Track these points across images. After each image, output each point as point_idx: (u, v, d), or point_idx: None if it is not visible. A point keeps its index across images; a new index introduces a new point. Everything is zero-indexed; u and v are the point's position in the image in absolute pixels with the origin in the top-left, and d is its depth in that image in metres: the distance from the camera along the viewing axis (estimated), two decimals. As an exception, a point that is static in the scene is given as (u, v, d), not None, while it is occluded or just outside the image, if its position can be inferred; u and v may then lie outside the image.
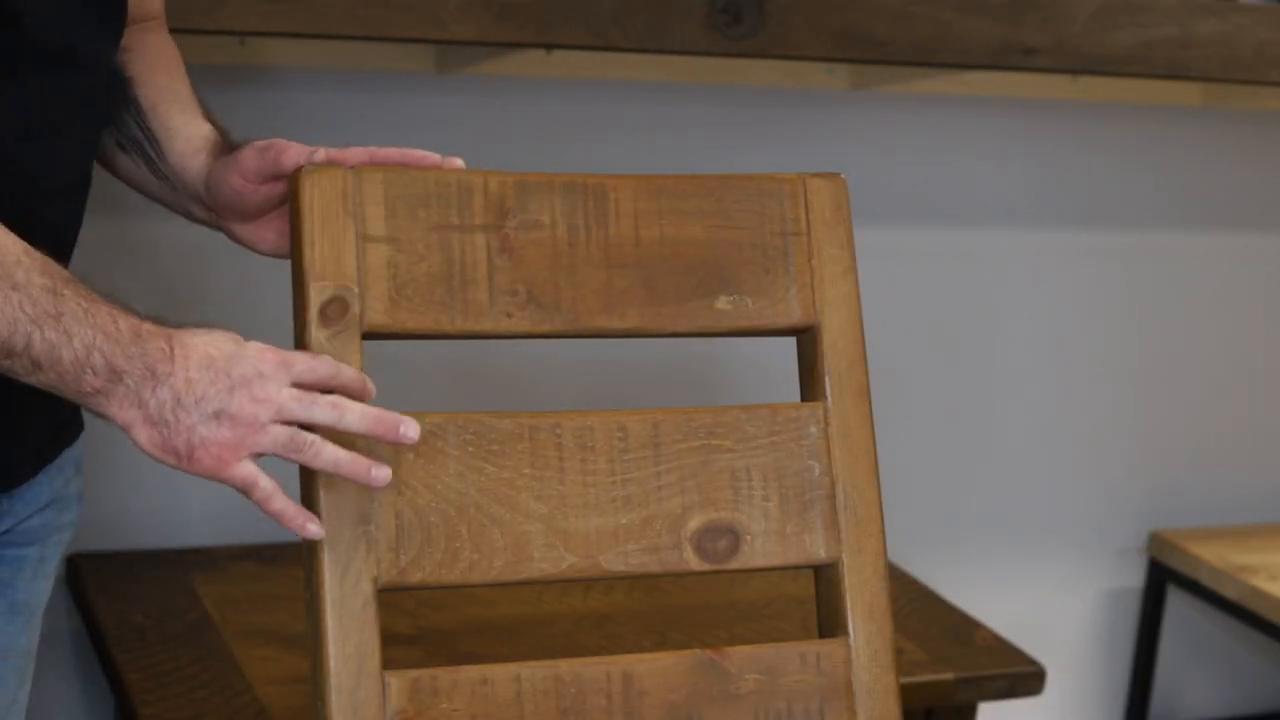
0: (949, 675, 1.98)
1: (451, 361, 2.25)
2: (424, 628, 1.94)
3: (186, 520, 2.21)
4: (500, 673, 1.25)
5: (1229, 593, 2.53)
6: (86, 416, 1.44)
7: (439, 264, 1.26)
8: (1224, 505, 2.80)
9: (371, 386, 1.21)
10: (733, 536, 1.32)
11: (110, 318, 1.14)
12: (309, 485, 1.22)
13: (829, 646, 1.34)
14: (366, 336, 1.24)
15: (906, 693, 1.96)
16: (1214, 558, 2.58)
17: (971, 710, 2.04)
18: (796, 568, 1.36)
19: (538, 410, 1.30)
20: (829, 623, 1.36)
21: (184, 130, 1.37)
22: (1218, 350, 2.74)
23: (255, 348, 1.17)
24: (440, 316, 1.26)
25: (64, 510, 1.41)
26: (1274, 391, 2.80)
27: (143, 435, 1.15)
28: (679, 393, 2.32)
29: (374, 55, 2.13)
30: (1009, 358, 2.62)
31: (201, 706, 1.75)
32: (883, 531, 1.36)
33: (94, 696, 2.17)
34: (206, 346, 1.16)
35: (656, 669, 1.29)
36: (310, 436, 1.17)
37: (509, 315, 1.27)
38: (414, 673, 1.23)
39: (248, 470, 1.17)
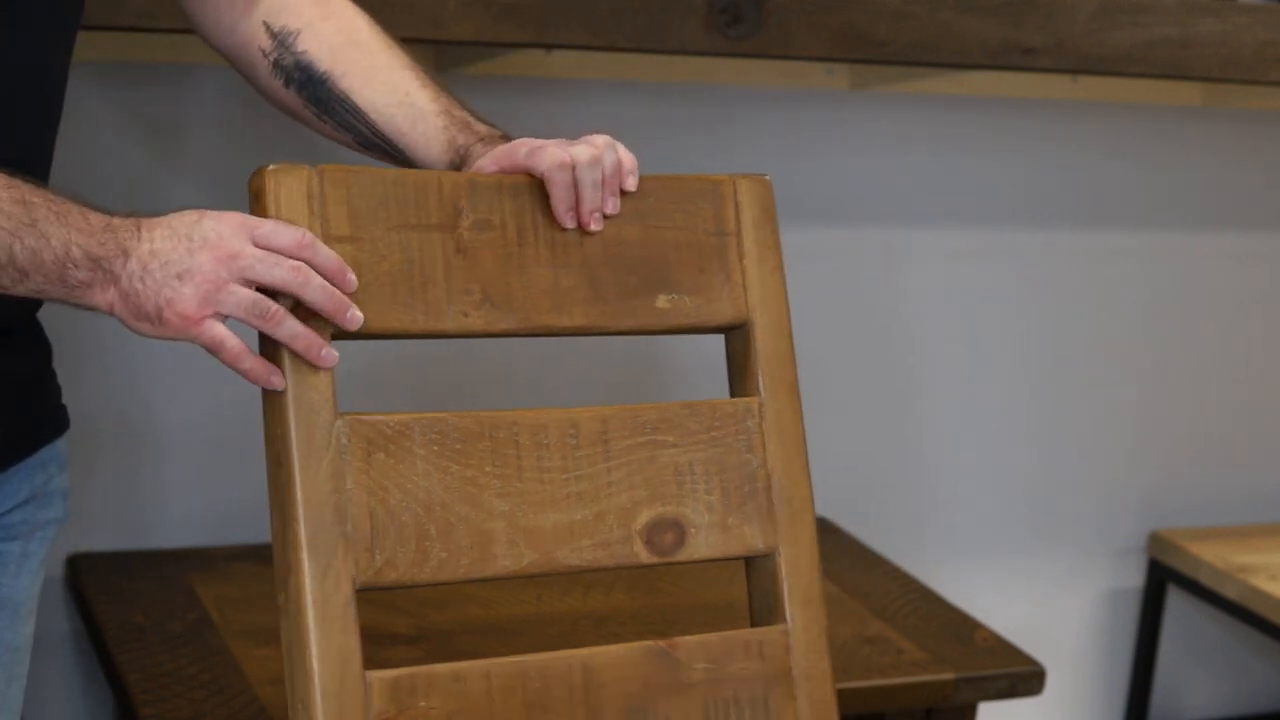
0: (949, 675, 1.98)
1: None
2: (424, 628, 1.94)
3: (186, 520, 2.21)
4: (471, 670, 1.27)
5: (1229, 593, 2.53)
6: (74, 417, 1.45)
7: (399, 264, 1.27)
8: (1224, 505, 2.80)
9: (353, 277, 1.23)
10: (679, 530, 1.35)
11: (81, 215, 1.18)
12: (279, 477, 1.22)
13: (769, 634, 1.38)
14: (334, 337, 1.25)
15: (906, 692, 1.98)
16: (1214, 558, 2.58)
17: (971, 710, 2.04)
18: (737, 558, 1.40)
19: (497, 408, 1.32)
20: (767, 612, 1.40)
21: (415, 134, 1.40)
22: (1218, 350, 2.74)
23: (218, 212, 1.20)
24: (403, 316, 1.27)
25: (46, 506, 1.41)
26: (1274, 391, 2.80)
27: (120, 309, 1.19)
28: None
29: (374, 55, 2.13)
30: (1009, 357, 2.62)
31: (201, 706, 1.75)
32: (814, 522, 1.41)
33: (94, 696, 2.17)
34: (171, 219, 1.19)
35: (613, 661, 1.32)
36: (274, 304, 1.19)
37: (465, 315, 1.29)
38: (394, 672, 1.24)
39: (216, 331, 1.19)
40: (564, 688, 1.29)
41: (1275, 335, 2.78)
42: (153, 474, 2.19)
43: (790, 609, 1.39)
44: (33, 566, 1.41)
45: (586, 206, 1.32)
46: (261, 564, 2.14)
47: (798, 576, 1.39)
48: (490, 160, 1.34)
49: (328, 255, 1.21)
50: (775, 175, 2.40)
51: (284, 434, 1.22)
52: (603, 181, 1.33)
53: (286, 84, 1.43)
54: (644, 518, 1.34)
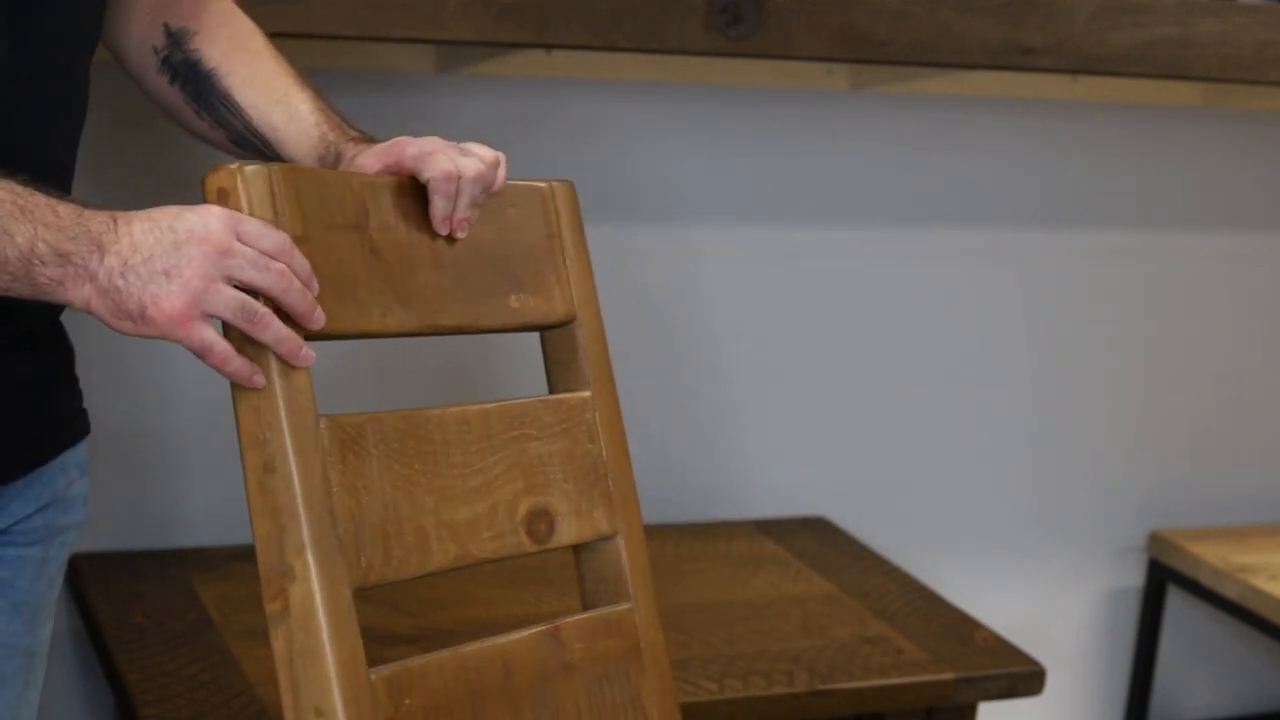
0: (949, 675, 1.98)
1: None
2: (424, 627, 1.94)
3: (186, 520, 2.21)
4: (435, 663, 1.29)
5: (1229, 593, 2.53)
6: (94, 421, 1.45)
7: (334, 265, 1.27)
8: (1224, 505, 2.80)
9: (316, 284, 1.22)
10: (549, 518, 1.40)
11: (48, 208, 1.15)
12: (271, 482, 1.21)
13: (620, 613, 1.44)
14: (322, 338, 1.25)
15: (907, 692, 1.98)
16: (1214, 558, 2.58)
17: (971, 710, 2.04)
18: (591, 543, 1.45)
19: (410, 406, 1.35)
20: (610, 592, 1.46)
21: (289, 129, 1.42)
22: (1218, 350, 2.74)
23: (199, 206, 1.18)
24: (346, 318, 1.27)
25: (67, 511, 1.41)
26: (1274, 391, 2.80)
27: (98, 306, 1.15)
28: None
29: (374, 55, 2.13)
30: (1009, 356, 2.62)
31: (201, 706, 1.75)
32: (639, 506, 1.48)
33: (94, 696, 2.17)
34: (150, 211, 1.17)
35: (523, 648, 1.36)
36: (262, 307, 1.18)
37: (384, 315, 1.30)
38: (387, 670, 1.24)
39: (205, 334, 1.17)
40: (495, 676, 1.33)
41: (1275, 335, 2.78)
42: (153, 474, 2.19)
43: (633, 588, 1.45)
44: (52, 571, 1.40)
45: (459, 215, 1.35)
46: (261, 564, 2.15)
47: (635, 557, 1.46)
48: (373, 157, 1.35)
49: (302, 261, 1.21)
50: (775, 175, 2.42)
51: (276, 436, 1.20)
52: (478, 200, 1.36)
53: (172, 80, 1.45)
54: (523, 508, 1.38)
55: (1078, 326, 2.65)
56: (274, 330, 1.19)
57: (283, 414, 1.21)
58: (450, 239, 1.36)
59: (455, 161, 1.33)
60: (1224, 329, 2.74)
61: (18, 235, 1.14)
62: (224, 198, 1.21)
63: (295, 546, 1.20)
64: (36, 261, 1.14)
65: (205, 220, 1.16)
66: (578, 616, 1.42)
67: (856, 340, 2.52)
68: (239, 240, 1.17)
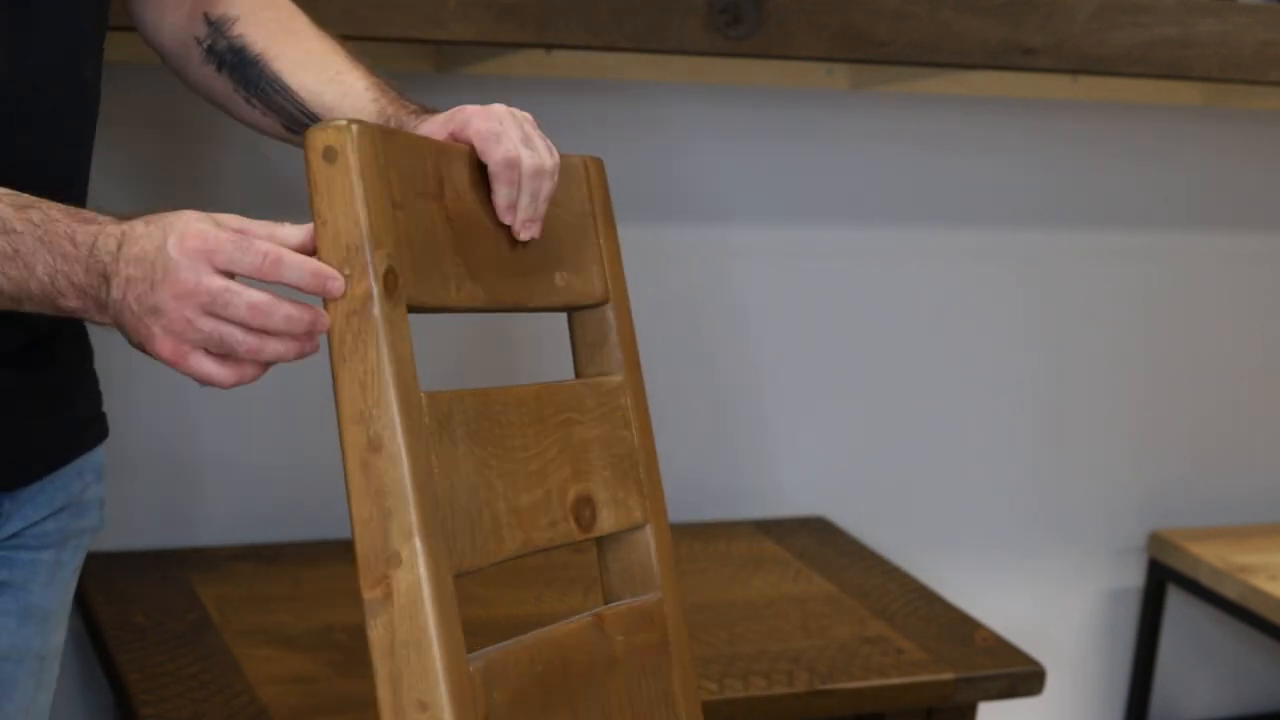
0: (949, 675, 1.98)
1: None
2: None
3: (186, 520, 2.21)
4: (512, 654, 1.23)
5: (1229, 593, 2.53)
6: (122, 423, 1.43)
7: (423, 233, 1.21)
8: (1224, 505, 2.80)
9: (337, 284, 1.14)
10: (592, 505, 1.34)
11: (67, 238, 1.13)
12: (376, 462, 1.14)
13: (652, 605, 1.38)
14: (410, 310, 1.18)
15: (907, 692, 1.98)
16: (1214, 558, 2.58)
17: (971, 710, 2.04)
18: (623, 532, 1.39)
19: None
20: (640, 583, 1.39)
21: (345, 105, 1.38)
22: (1218, 350, 2.74)
23: (182, 229, 1.12)
24: (437, 290, 1.21)
25: (81, 515, 1.40)
26: (1274, 391, 2.80)
27: (123, 331, 1.14)
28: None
29: (373, 55, 2.12)
30: (1010, 356, 2.62)
31: (201, 706, 1.75)
32: (664, 496, 1.42)
33: (94, 696, 2.17)
34: (143, 240, 1.13)
35: (576, 639, 1.29)
36: (242, 340, 1.12)
37: (460, 289, 1.24)
38: (481, 661, 1.19)
39: (203, 368, 1.13)
40: (557, 669, 1.27)
41: (1275, 335, 2.78)
42: (153, 474, 2.19)
43: (661, 579, 1.39)
44: (65, 576, 1.39)
45: (523, 215, 1.29)
46: (262, 564, 2.14)
47: (663, 548, 1.40)
48: (437, 125, 1.30)
49: (297, 266, 1.13)
50: (775, 175, 2.42)
51: (384, 413, 1.13)
52: (539, 196, 1.29)
53: (219, 68, 1.42)
54: (571, 494, 1.31)
55: (1078, 326, 2.65)
56: (272, 348, 1.14)
57: (391, 389, 1.14)
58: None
59: (518, 149, 1.27)
60: (1224, 329, 2.74)
61: (38, 269, 1.13)
62: (331, 156, 1.15)
63: (402, 531, 1.13)
64: (58, 295, 1.14)
65: (178, 258, 1.11)
66: (616, 607, 1.35)
67: (856, 340, 2.52)
68: (214, 271, 1.11)
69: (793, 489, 2.53)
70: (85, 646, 2.11)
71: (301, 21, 1.44)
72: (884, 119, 2.46)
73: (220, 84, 1.43)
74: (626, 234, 2.38)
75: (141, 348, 1.14)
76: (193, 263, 1.11)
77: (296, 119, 1.40)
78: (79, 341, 1.38)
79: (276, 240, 1.14)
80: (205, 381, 1.14)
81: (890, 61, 2.11)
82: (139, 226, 1.13)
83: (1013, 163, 2.55)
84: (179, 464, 2.20)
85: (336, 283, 1.14)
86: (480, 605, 2.01)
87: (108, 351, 1.44)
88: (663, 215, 2.37)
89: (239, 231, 1.13)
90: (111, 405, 1.45)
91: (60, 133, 1.29)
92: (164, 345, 1.12)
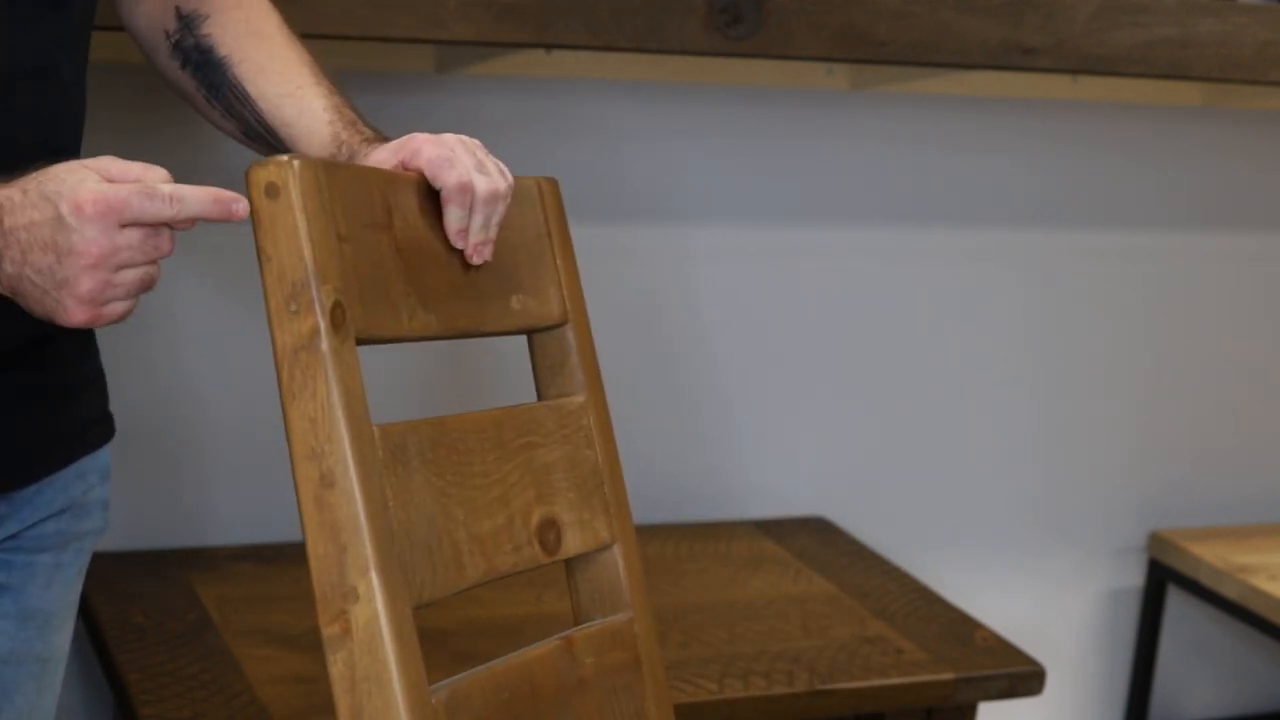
0: (949, 675, 1.98)
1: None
2: (423, 628, 1.93)
3: (186, 520, 2.21)
4: (477, 682, 1.22)
5: (1229, 593, 2.53)
6: (119, 423, 1.42)
7: (370, 265, 1.20)
8: (1224, 505, 2.80)
9: (242, 206, 1.14)
10: (557, 528, 1.34)
11: None
12: (329, 498, 1.15)
13: (621, 623, 1.38)
14: (361, 342, 1.19)
15: (907, 692, 1.98)
16: (1214, 558, 2.58)
17: (971, 710, 2.04)
18: (593, 553, 1.39)
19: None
20: (609, 603, 1.39)
21: (300, 124, 1.37)
22: (1218, 350, 2.74)
23: (70, 204, 1.09)
24: (386, 321, 1.21)
25: (83, 518, 1.38)
26: (1274, 391, 2.80)
27: (22, 303, 1.13)
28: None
29: (374, 55, 2.13)
30: (1010, 357, 2.62)
31: (201, 706, 1.75)
32: (631, 514, 1.41)
33: (94, 696, 2.17)
34: (29, 211, 1.11)
35: (544, 664, 1.29)
36: (152, 271, 1.12)
37: (412, 318, 1.24)
38: (444, 691, 1.19)
39: (115, 311, 1.12)
40: (525, 695, 1.27)
41: (1275, 336, 2.78)
42: (154, 474, 2.19)
43: (631, 598, 1.39)
44: (67, 577, 1.38)
45: (475, 239, 1.28)
46: (261, 564, 2.14)
47: (631, 567, 1.40)
48: (387, 153, 1.30)
49: (198, 198, 1.13)
50: (775, 175, 2.42)
51: (335, 448, 1.13)
52: (491, 220, 1.29)
53: (183, 65, 1.42)
54: (535, 518, 1.31)
55: (1078, 327, 2.65)
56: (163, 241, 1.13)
57: (342, 424, 1.13)
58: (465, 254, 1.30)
59: (471, 175, 1.27)
60: (1224, 329, 2.74)
61: None
62: (273, 192, 1.14)
63: (358, 566, 1.13)
64: None
65: (83, 229, 1.09)
66: (586, 629, 1.36)
67: (856, 340, 2.52)
68: (122, 225, 1.10)
69: (793, 489, 2.53)
70: (85, 646, 2.11)
71: (272, 23, 1.43)
72: (884, 119, 2.46)
73: (185, 81, 1.43)
74: (628, 235, 2.39)
75: (49, 318, 1.12)
76: (100, 227, 1.10)
77: (254, 128, 1.40)
78: (83, 340, 1.37)
79: (158, 180, 1.14)
80: (120, 319, 1.13)
81: (890, 61, 2.11)
82: (15, 195, 1.11)
83: (1013, 163, 2.55)
84: (180, 464, 2.20)
85: (241, 204, 1.14)
86: (480, 605, 2.00)
87: (105, 349, 1.43)
88: (662, 215, 2.37)
89: (137, 181, 1.12)
90: (111, 405, 1.44)
91: (41, 134, 1.27)
92: (78, 314, 1.11)
